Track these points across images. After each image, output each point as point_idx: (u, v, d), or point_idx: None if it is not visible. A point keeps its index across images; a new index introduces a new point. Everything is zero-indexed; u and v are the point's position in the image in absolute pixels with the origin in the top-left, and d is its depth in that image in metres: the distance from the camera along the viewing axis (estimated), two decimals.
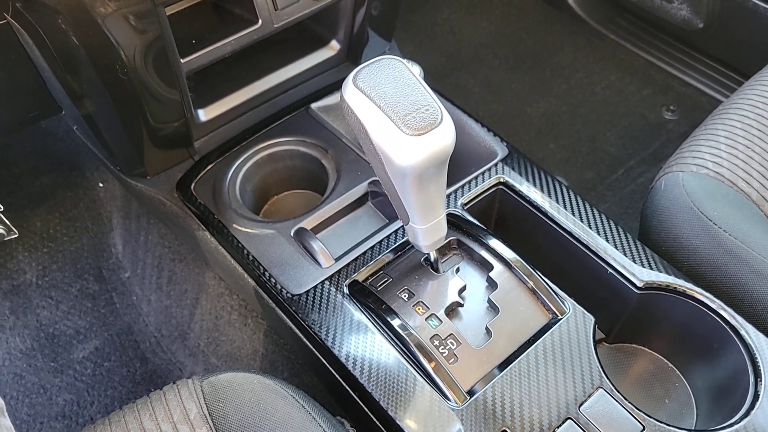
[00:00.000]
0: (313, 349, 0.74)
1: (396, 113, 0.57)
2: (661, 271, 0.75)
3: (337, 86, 1.01)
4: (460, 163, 0.88)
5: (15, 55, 0.72)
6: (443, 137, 0.58)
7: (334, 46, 1.02)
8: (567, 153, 1.39)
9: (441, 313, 0.71)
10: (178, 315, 1.11)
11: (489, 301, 0.73)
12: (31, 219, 1.24)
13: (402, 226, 0.80)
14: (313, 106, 0.97)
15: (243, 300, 1.02)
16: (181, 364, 1.08)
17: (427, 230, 0.68)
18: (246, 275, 0.82)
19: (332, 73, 1.04)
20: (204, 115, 0.92)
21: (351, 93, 0.59)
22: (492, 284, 0.74)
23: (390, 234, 0.80)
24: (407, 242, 0.79)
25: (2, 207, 0.68)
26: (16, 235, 0.72)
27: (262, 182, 0.94)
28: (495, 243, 0.76)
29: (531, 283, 0.73)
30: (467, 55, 1.57)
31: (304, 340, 0.75)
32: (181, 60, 0.80)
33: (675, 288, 0.73)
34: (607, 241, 0.78)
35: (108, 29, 0.68)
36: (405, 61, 0.63)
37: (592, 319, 0.71)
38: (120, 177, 0.99)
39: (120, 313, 1.18)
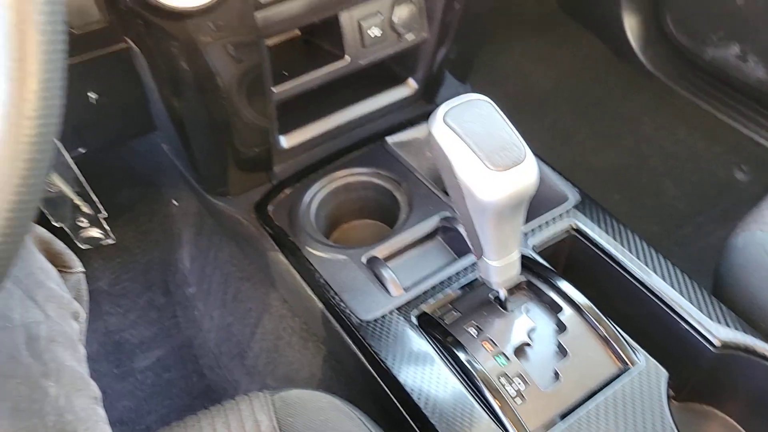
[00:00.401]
0: (377, 377, 0.75)
1: (482, 150, 0.59)
2: (738, 330, 0.72)
3: (411, 122, 1.04)
4: (531, 205, 0.89)
5: (128, 77, 0.79)
6: (527, 175, 0.60)
7: (412, 85, 1.06)
8: (632, 205, 1.37)
9: (509, 352, 0.71)
10: (238, 333, 1.13)
11: (558, 343, 0.72)
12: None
13: (472, 263, 0.82)
14: (388, 140, 1.01)
15: (305, 323, 1.04)
16: (236, 382, 1.10)
17: (501, 267, 0.68)
18: (315, 297, 0.84)
19: (407, 109, 1.07)
20: (285, 142, 0.96)
21: (439, 128, 0.62)
22: (561, 327, 0.73)
23: (459, 270, 0.81)
24: (476, 280, 0.80)
25: (106, 214, 0.73)
26: (113, 242, 0.77)
27: (334, 209, 0.97)
28: (566, 286, 0.76)
29: (602, 329, 0.72)
30: (534, 100, 1.59)
31: (368, 366, 0.76)
32: (274, 89, 0.85)
33: (755, 350, 0.71)
34: (682, 295, 0.77)
35: (216, 57, 0.73)
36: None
37: (666, 373, 0.69)
38: (201, 195, 1.05)
39: (182, 327, 1.22)
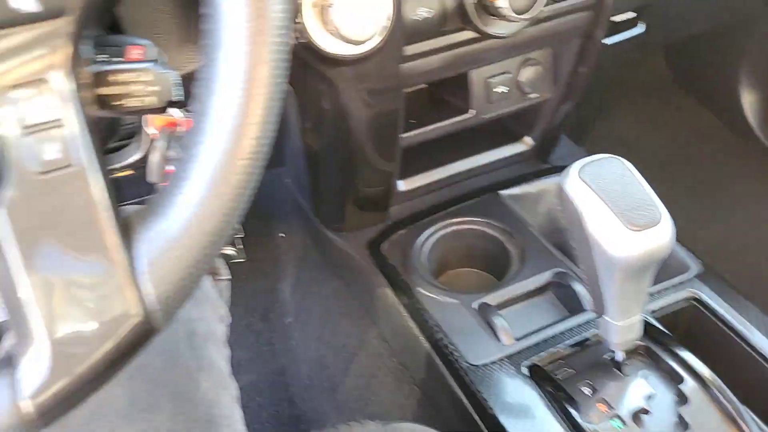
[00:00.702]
0: (481, 424, 0.74)
1: (618, 207, 0.61)
2: None
3: (524, 178, 1.06)
4: None
5: None
6: (662, 237, 0.60)
7: (528, 142, 1.09)
8: (751, 285, 1.30)
9: (626, 416, 0.69)
10: (332, 367, 1.16)
11: (678, 415, 0.69)
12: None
13: (586, 321, 0.81)
14: (502, 192, 1.03)
15: (402, 364, 1.05)
16: (325, 414, 1.12)
17: (622, 327, 0.68)
18: (422, 337, 0.85)
19: (521, 165, 1.10)
20: (404, 185, 1.01)
21: (573, 183, 0.64)
22: (682, 398, 0.70)
23: (573, 327, 0.80)
24: (589, 339, 0.79)
25: (243, 233, 0.79)
26: (243, 260, 0.83)
27: (443, 255, 0.99)
28: (688, 356, 0.73)
29: (728, 405, 0.68)
30: (644, 170, 1.56)
31: (472, 412, 0.76)
32: (402, 135, 0.91)
33: None
34: None
35: (359, 100, 0.79)
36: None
37: None
38: (314, 229, 1.10)
39: (277, 354, 1.26)
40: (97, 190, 0.37)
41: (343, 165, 0.92)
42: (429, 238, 0.97)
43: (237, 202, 0.40)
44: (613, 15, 0.89)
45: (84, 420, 0.38)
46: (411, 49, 0.78)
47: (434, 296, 0.87)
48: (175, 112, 0.66)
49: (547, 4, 0.78)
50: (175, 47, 0.71)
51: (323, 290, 1.26)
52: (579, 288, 0.84)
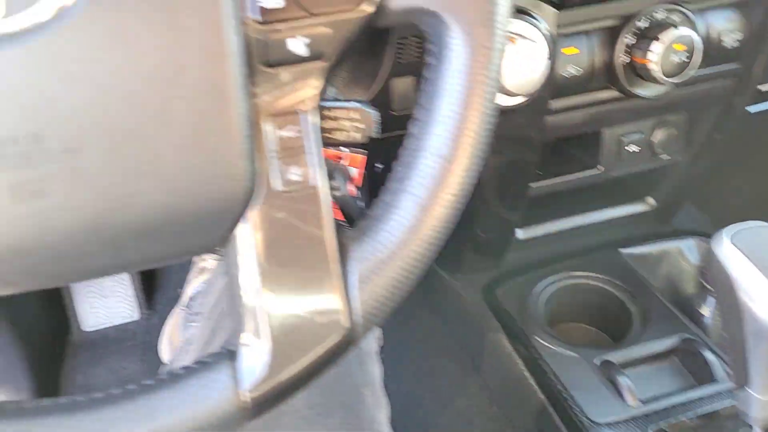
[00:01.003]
0: None
1: None
2: None
3: (646, 238, 1.05)
4: None
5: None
6: None
7: (650, 203, 1.07)
8: None
9: None
10: (426, 405, 1.16)
11: None
12: None
13: (717, 392, 0.78)
14: (623, 251, 1.02)
15: (504, 413, 1.04)
16: None
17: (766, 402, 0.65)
18: (537, 387, 0.85)
19: (640, 225, 1.08)
20: (522, 234, 1.02)
21: (726, 248, 0.63)
22: None
23: (703, 397, 0.77)
24: (717, 412, 0.76)
25: None
26: None
27: (557, 307, 0.99)
28: None
29: None
30: None
31: None
32: (531, 185, 0.93)
33: None
34: None
35: (499, 147, 0.82)
36: None
37: None
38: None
39: None
40: (326, 209, 0.41)
41: (469, 210, 0.95)
42: (546, 288, 0.97)
43: (440, 233, 0.43)
44: (760, 84, 0.88)
45: (271, 417, 0.41)
46: (556, 104, 0.81)
47: (552, 347, 0.87)
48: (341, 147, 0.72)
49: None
50: (341, 88, 0.77)
51: (421, 327, 1.28)
52: (710, 357, 0.81)
